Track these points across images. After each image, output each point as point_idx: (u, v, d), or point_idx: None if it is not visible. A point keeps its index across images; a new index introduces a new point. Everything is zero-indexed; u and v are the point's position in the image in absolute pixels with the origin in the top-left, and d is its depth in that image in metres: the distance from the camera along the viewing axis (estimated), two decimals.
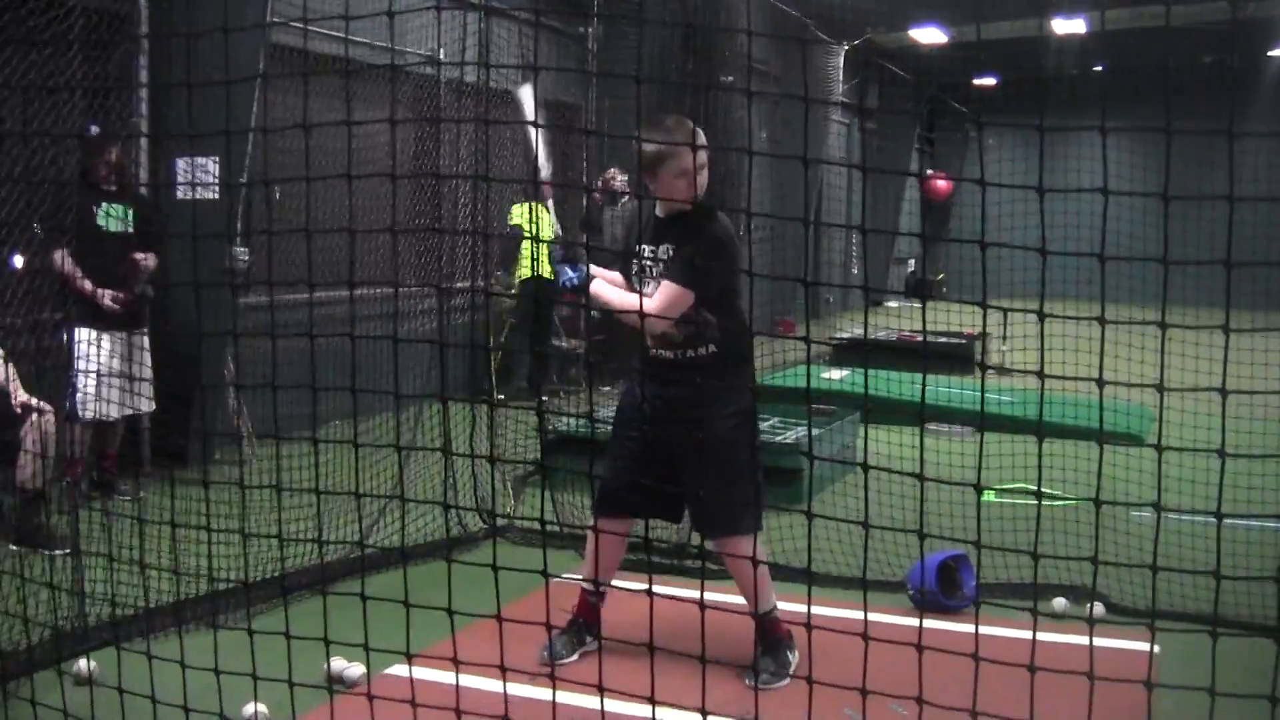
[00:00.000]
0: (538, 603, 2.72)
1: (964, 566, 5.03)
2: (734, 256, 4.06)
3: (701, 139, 4.03)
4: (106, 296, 6.27)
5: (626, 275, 4.20)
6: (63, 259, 6.14)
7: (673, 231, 4.04)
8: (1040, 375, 2.37)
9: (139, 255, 6.43)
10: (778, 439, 7.28)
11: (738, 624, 4.01)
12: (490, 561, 2.63)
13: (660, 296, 3.96)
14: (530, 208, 9.58)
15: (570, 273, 4.14)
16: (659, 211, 4.11)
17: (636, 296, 3.96)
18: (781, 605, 4.24)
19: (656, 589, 2.53)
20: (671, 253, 4.03)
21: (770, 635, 4.14)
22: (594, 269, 4.20)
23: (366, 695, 2.77)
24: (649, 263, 4.09)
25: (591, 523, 4.30)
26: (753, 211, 9.35)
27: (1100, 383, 2.30)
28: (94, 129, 6.55)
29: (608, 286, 4.15)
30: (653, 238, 4.08)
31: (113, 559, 3.55)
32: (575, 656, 4.27)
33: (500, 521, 6.13)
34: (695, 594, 2.49)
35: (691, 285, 3.91)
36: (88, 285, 6.24)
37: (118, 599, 4.14)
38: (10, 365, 5.59)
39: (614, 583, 4.23)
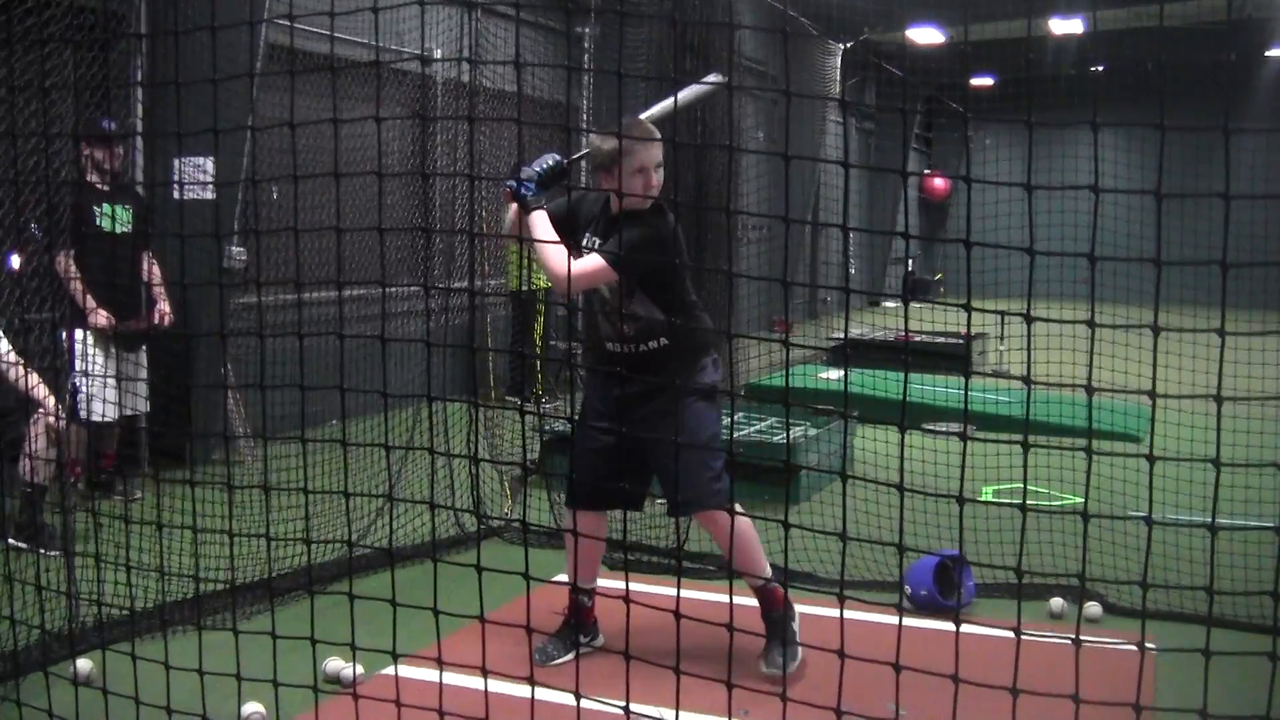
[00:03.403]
0: (535, 603, 2.72)
1: (961, 566, 5.02)
2: (674, 253, 4.10)
3: (658, 139, 4.07)
4: (100, 317, 6.16)
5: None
6: (65, 261, 6.08)
7: (621, 226, 4.05)
8: (1028, 381, 2.36)
9: (162, 310, 6.43)
10: (774, 440, 7.27)
11: (739, 618, 4.00)
12: (485, 562, 2.63)
13: (583, 261, 3.97)
14: None
15: (523, 179, 3.95)
16: (612, 207, 4.14)
17: (564, 252, 3.87)
18: None
19: (653, 589, 2.53)
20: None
21: (772, 609, 4.18)
22: (543, 214, 4.06)
23: (353, 695, 2.77)
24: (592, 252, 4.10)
25: (566, 524, 4.31)
26: (744, 211, 9.38)
27: (1089, 389, 2.29)
28: (108, 124, 6.52)
29: (548, 229, 4.00)
30: (604, 231, 4.12)
31: (124, 559, 3.53)
32: (569, 656, 4.27)
33: (497, 522, 6.13)
34: (694, 594, 2.49)
35: (616, 265, 3.94)
36: (80, 295, 6.12)
37: (110, 600, 4.13)
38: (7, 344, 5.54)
39: (611, 582, 4.24)
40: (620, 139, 3.81)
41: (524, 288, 9.80)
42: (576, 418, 4.37)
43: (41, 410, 5.47)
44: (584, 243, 4.11)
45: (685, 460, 4.09)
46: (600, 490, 4.24)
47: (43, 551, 4.75)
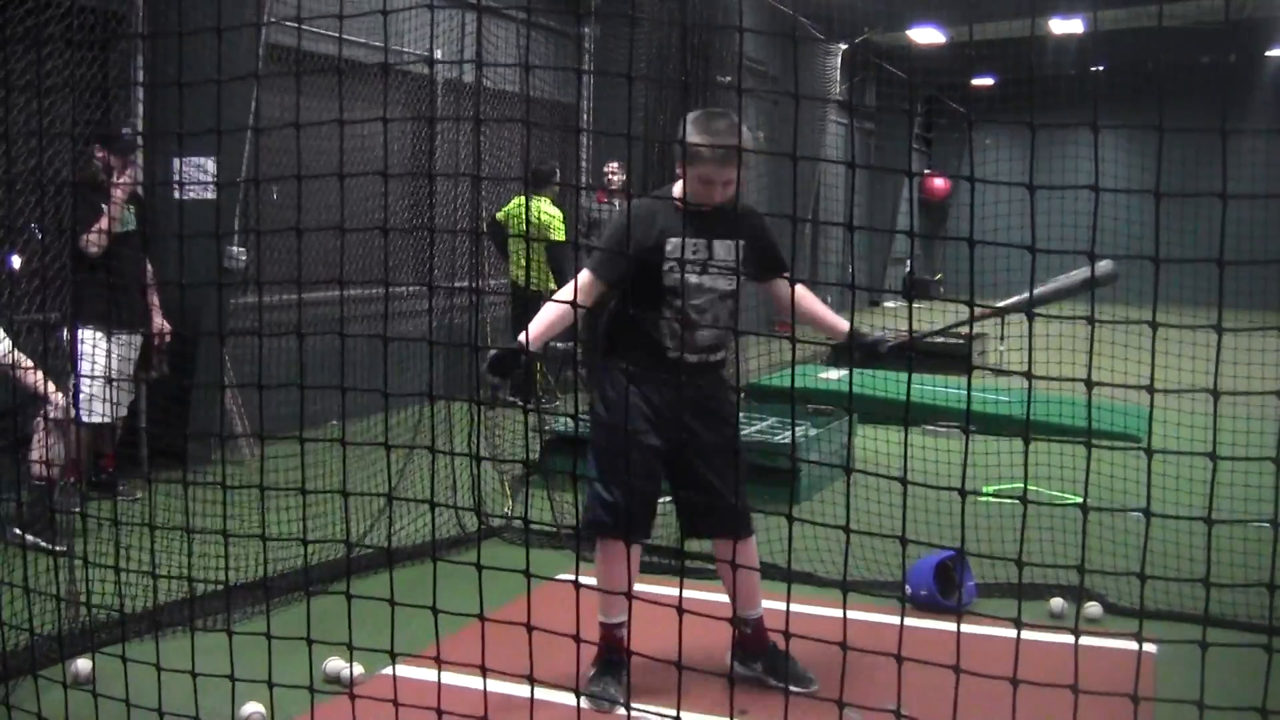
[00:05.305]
0: (536, 602, 2.72)
1: (962, 566, 5.02)
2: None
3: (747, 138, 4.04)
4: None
5: (642, 271, 3.88)
6: (97, 236, 6.02)
7: (724, 225, 3.88)
8: (1029, 376, 2.37)
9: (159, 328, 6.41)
10: (775, 440, 7.28)
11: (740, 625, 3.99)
12: (485, 562, 2.63)
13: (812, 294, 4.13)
14: (527, 205, 9.55)
15: None
16: (693, 206, 3.88)
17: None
18: (772, 606, 4.22)
19: (658, 590, 2.53)
20: (745, 248, 3.96)
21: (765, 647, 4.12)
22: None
23: (350, 696, 2.77)
24: (693, 256, 3.91)
25: (613, 556, 3.94)
26: (754, 211, 9.35)
27: (1089, 384, 2.29)
28: (128, 132, 6.52)
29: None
30: (695, 231, 3.91)
31: (126, 560, 3.54)
32: (621, 694, 3.87)
33: (498, 522, 6.12)
34: (701, 596, 2.49)
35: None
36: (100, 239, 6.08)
37: (114, 600, 4.12)
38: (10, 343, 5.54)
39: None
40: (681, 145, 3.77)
41: (529, 285, 9.76)
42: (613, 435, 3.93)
43: (51, 406, 5.49)
44: (657, 246, 3.85)
45: (742, 485, 4.04)
46: (651, 511, 3.99)
47: (44, 545, 4.74)
